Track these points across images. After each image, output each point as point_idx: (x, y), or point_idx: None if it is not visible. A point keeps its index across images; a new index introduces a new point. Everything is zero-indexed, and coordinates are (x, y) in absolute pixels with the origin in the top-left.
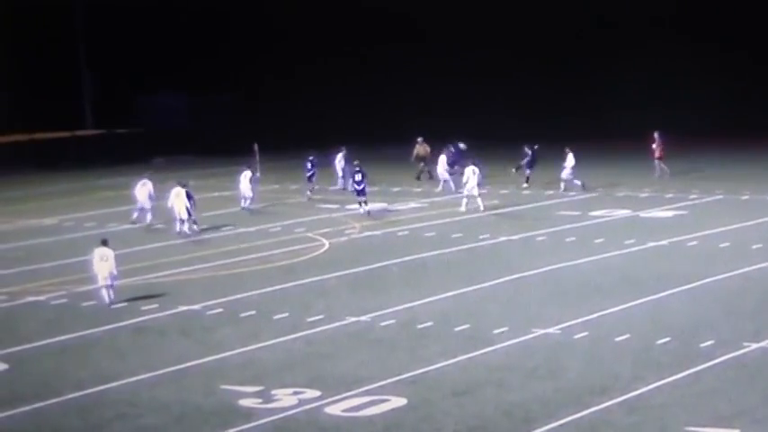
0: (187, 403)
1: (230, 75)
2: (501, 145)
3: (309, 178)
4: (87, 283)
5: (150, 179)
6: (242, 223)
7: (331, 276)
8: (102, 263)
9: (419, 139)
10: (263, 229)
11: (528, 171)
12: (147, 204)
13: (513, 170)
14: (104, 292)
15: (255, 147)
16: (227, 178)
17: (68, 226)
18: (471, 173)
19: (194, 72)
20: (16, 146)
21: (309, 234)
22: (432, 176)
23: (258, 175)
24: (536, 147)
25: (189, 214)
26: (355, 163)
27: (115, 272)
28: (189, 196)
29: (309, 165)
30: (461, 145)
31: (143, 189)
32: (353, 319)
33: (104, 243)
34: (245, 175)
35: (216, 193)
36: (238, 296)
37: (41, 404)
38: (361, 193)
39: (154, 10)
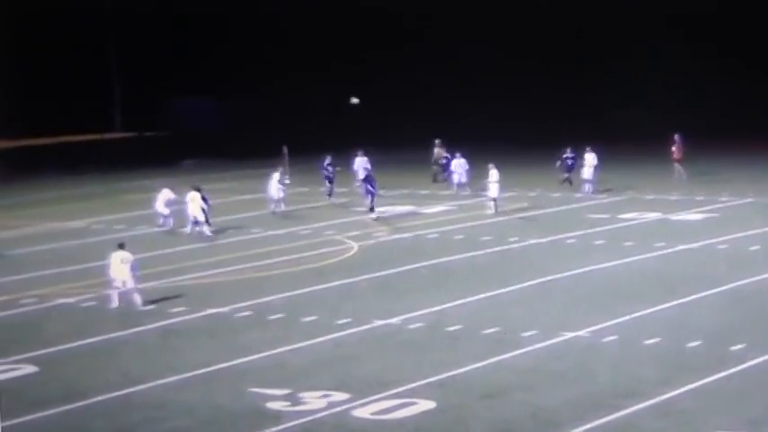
0: (215, 406)
1: (259, 77)
2: (519, 148)
3: (329, 181)
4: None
5: (167, 186)
6: (271, 226)
7: (360, 279)
8: (122, 265)
9: (437, 141)
10: (292, 231)
11: (566, 175)
12: (166, 211)
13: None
14: (115, 294)
15: (285, 149)
16: (255, 181)
17: (97, 229)
18: (494, 174)
19: (223, 75)
20: (45, 149)
21: (338, 237)
22: (448, 179)
23: (287, 177)
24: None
25: (204, 217)
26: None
27: (138, 274)
28: (204, 199)
29: (328, 169)
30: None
31: (160, 197)
32: (382, 321)
33: (122, 246)
34: (275, 178)
35: (246, 196)
36: (267, 299)
37: (70, 406)
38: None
39: (182, 14)
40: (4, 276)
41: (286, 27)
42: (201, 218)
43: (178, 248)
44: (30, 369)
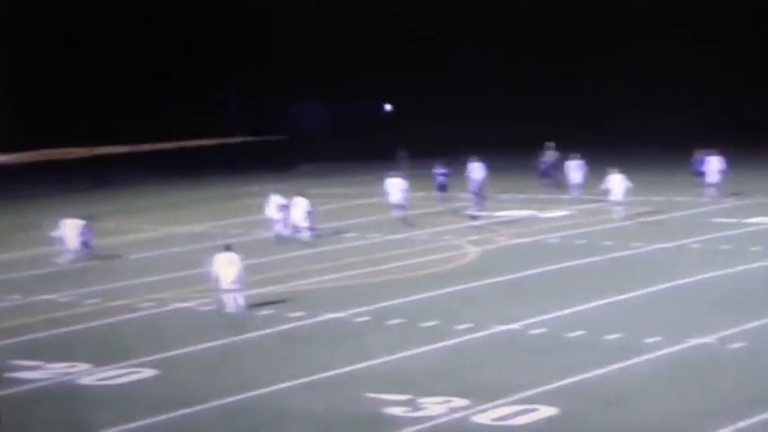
0: (333, 411)
1: (376, 81)
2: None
3: (442, 188)
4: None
5: (276, 192)
6: (389, 230)
7: (480, 284)
8: (229, 267)
9: (549, 145)
10: (410, 236)
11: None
12: (277, 215)
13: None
14: (227, 297)
15: (404, 154)
16: (372, 185)
17: (216, 233)
18: (618, 179)
19: (340, 78)
20: (164, 154)
21: (458, 241)
22: (559, 183)
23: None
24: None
25: (307, 223)
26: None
27: (243, 277)
28: (307, 206)
29: (441, 176)
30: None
31: (271, 204)
32: (503, 327)
33: (228, 248)
34: (395, 183)
35: (363, 200)
36: (386, 304)
37: (189, 410)
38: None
39: (299, 17)
40: (124, 280)
41: (408, 28)
42: (304, 224)
43: (296, 253)
44: (149, 372)
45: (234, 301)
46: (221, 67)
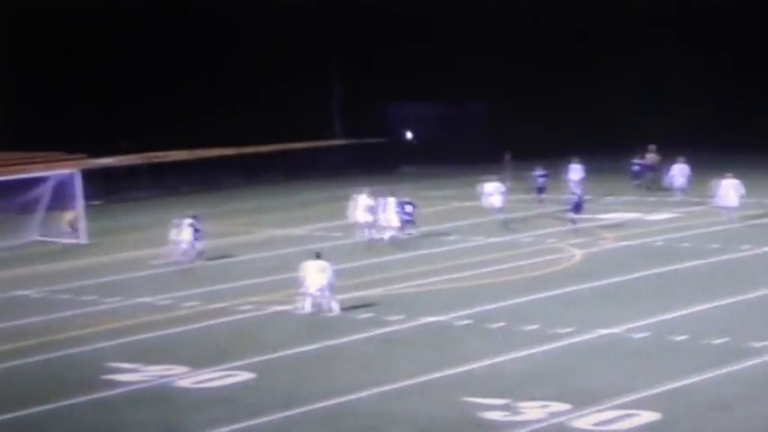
0: (432, 416)
1: (482, 83)
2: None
3: (540, 190)
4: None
5: (363, 192)
6: (492, 233)
7: (583, 287)
8: (320, 274)
9: (651, 147)
10: (513, 239)
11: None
12: (368, 218)
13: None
14: (317, 302)
15: (507, 156)
16: (474, 187)
17: (317, 236)
18: (732, 183)
19: (445, 80)
20: (268, 156)
21: (561, 244)
22: (660, 186)
23: (508, 184)
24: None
25: (400, 224)
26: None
27: (335, 282)
28: (402, 205)
29: (540, 177)
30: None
31: (359, 204)
32: (605, 330)
33: (318, 256)
34: (495, 187)
35: (466, 203)
36: (487, 307)
37: (287, 413)
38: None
39: (402, 19)
40: (224, 283)
41: (510, 32)
42: (396, 223)
43: (397, 256)
44: (246, 376)
45: (326, 306)
46: (324, 68)
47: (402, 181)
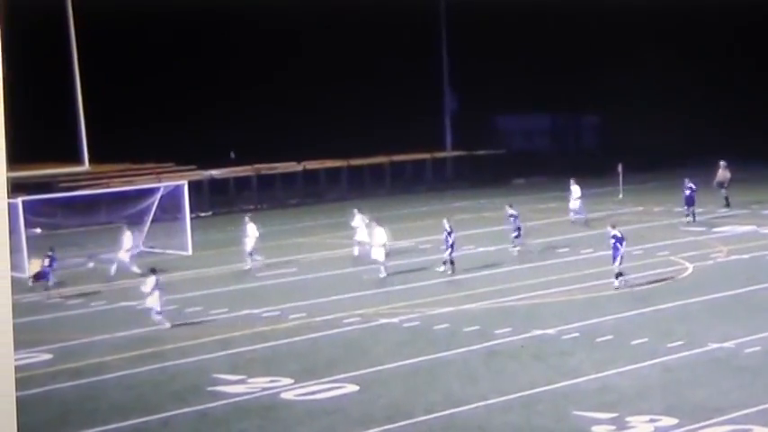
0: (538, 429)
1: (596, 94)
2: None
3: (689, 202)
4: (440, 306)
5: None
6: (601, 246)
7: (694, 301)
8: None
9: (722, 163)
10: (624, 252)
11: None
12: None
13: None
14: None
15: (620, 168)
16: (586, 200)
17: (424, 248)
18: None
19: (559, 91)
20: (376, 168)
21: (672, 257)
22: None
23: (621, 196)
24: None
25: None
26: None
27: None
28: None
29: (689, 190)
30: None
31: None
32: (716, 345)
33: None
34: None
35: (575, 216)
36: (595, 320)
37: (392, 426)
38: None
39: (513, 28)
40: (331, 295)
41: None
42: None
43: (506, 268)
44: (351, 388)
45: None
46: (436, 79)
47: (512, 194)
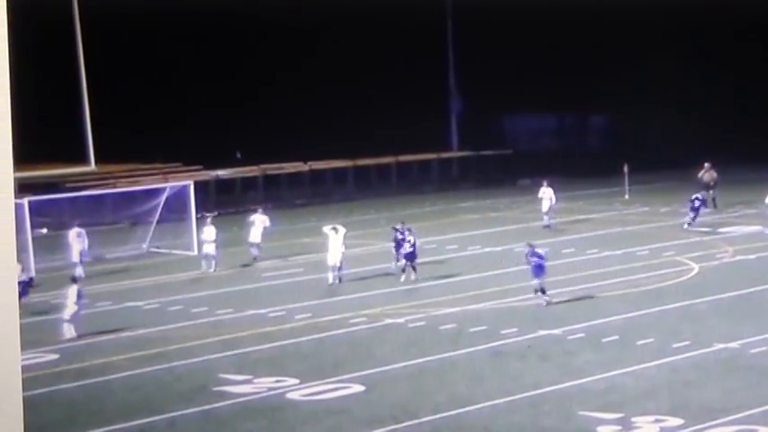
0: (543, 429)
1: (602, 94)
2: None
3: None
4: (447, 306)
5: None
6: (607, 246)
7: (700, 301)
8: None
9: (706, 165)
10: (629, 252)
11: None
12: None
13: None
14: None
15: (626, 168)
16: (592, 201)
17: (429, 249)
18: None
19: (565, 91)
20: (383, 168)
21: (678, 258)
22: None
23: (627, 197)
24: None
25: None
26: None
27: None
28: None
29: (698, 202)
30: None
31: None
32: (722, 345)
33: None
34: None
35: (581, 216)
36: (601, 320)
37: (398, 426)
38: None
39: (520, 28)
40: (336, 295)
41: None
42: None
43: (512, 269)
44: (357, 388)
45: None
46: (442, 79)
47: (516, 194)
